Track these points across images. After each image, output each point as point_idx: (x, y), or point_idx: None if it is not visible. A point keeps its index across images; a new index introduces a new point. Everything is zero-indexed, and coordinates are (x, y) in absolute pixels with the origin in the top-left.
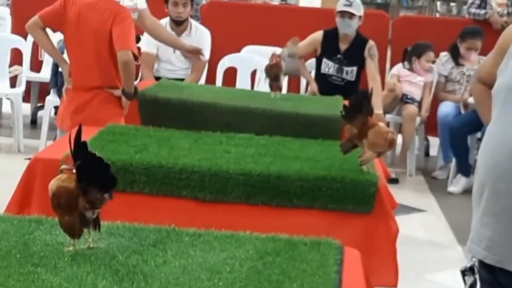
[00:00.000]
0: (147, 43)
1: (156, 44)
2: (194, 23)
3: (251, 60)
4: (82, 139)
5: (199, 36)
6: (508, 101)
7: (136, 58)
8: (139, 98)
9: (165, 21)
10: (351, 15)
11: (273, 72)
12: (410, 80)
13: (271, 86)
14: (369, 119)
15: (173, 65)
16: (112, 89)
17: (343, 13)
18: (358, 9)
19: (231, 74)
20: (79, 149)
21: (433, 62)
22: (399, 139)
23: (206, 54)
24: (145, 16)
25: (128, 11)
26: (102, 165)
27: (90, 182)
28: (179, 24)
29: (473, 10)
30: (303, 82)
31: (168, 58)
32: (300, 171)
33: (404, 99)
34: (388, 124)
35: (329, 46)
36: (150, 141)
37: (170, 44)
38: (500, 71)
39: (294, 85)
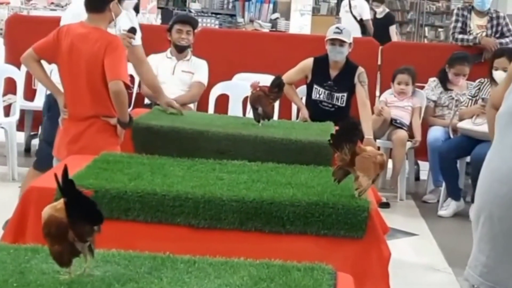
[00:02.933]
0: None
1: (156, 66)
2: (193, 56)
3: (243, 87)
4: (77, 168)
5: (198, 63)
6: (508, 125)
7: (127, 87)
8: (132, 126)
9: (165, 53)
10: (341, 42)
11: (256, 100)
12: (398, 105)
13: (256, 115)
14: (358, 146)
15: (169, 88)
16: (108, 118)
17: (333, 41)
18: (348, 36)
19: (223, 101)
20: (66, 186)
21: (422, 87)
22: (390, 164)
23: (203, 80)
24: (135, 52)
25: (119, 41)
26: (89, 202)
27: (78, 217)
28: (180, 51)
29: (459, 36)
30: (294, 108)
31: (165, 80)
32: (293, 197)
33: (394, 123)
34: (378, 149)
35: (320, 72)
36: (144, 168)
37: (151, 88)
38: (506, 96)
39: (285, 111)
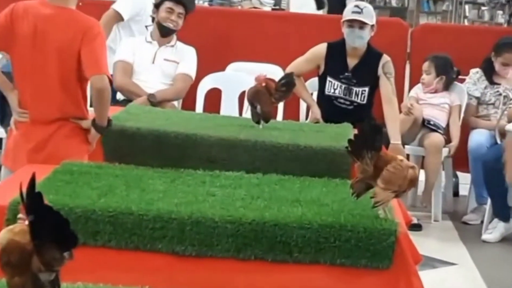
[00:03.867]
0: (123, 49)
1: (133, 51)
2: (178, 41)
3: (238, 80)
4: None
5: (184, 50)
6: None
7: (110, 82)
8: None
9: (144, 36)
10: (361, 24)
11: (254, 97)
12: (432, 102)
13: (254, 114)
14: (384, 152)
15: (148, 80)
16: (79, 120)
17: (352, 22)
18: (370, 17)
19: (214, 97)
20: (33, 200)
21: (462, 80)
22: (422, 175)
23: (191, 71)
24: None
25: (99, 26)
26: (60, 220)
27: (45, 240)
28: (165, 34)
29: None
30: (303, 106)
31: (145, 70)
32: (302, 217)
33: (427, 125)
34: (408, 157)
35: (335, 62)
36: (117, 181)
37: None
38: None
39: (291, 110)
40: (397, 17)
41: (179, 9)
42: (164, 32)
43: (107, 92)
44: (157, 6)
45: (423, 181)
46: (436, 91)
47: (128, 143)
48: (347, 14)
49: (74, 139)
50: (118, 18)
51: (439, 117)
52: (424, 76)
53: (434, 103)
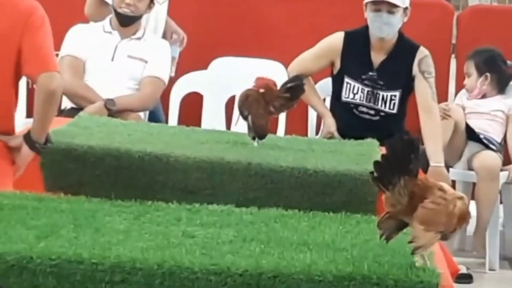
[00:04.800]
0: (71, 40)
1: (85, 43)
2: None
3: (226, 82)
4: None
5: (154, 44)
6: None
7: None
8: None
9: (101, 24)
10: (390, 7)
11: (244, 104)
12: (480, 110)
13: (250, 129)
14: (422, 178)
15: (108, 80)
16: (6, 136)
17: (378, 5)
18: None
19: (193, 105)
20: None
21: None
22: (473, 208)
23: (163, 73)
24: None
25: (42, 10)
26: None
27: None
28: (125, 23)
29: None
30: (312, 116)
31: (101, 68)
32: (311, 266)
33: (477, 140)
34: (453, 185)
35: (355, 57)
36: (62, 219)
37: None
38: None
39: (297, 122)
40: None
41: None
42: (122, 21)
43: (57, 95)
44: None
45: (474, 217)
46: (484, 96)
47: (76, 166)
48: None
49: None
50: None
51: (491, 130)
52: (466, 79)
53: (483, 111)
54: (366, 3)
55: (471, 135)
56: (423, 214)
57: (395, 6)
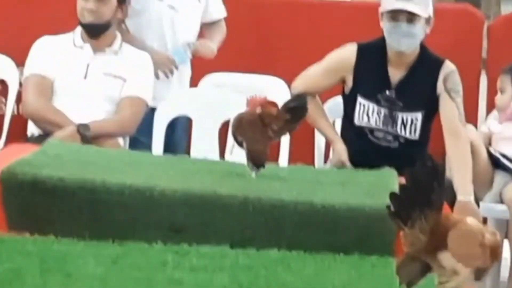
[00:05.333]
0: (37, 57)
1: (53, 59)
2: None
3: (220, 102)
4: None
5: (133, 58)
6: None
7: None
8: (2, 181)
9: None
10: (411, 16)
11: (238, 128)
12: (511, 135)
13: (249, 159)
14: (447, 213)
15: (80, 102)
16: None
17: (396, 13)
18: (425, 5)
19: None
20: None
21: None
22: (506, 249)
23: (143, 92)
24: None
25: None
26: None
27: None
28: (93, 33)
29: None
30: (319, 142)
31: (72, 88)
32: None
33: (507, 168)
34: (484, 221)
35: (370, 73)
36: (27, 262)
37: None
38: None
39: (302, 149)
40: (466, 3)
41: None
42: (89, 31)
43: None
44: None
45: (508, 259)
46: None
47: (45, 201)
48: (389, 0)
49: None
50: None
51: None
52: (498, 96)
53: None
54: (383, 12)
55: (499, 162)
56: (454, 241)
57: (416, 15)
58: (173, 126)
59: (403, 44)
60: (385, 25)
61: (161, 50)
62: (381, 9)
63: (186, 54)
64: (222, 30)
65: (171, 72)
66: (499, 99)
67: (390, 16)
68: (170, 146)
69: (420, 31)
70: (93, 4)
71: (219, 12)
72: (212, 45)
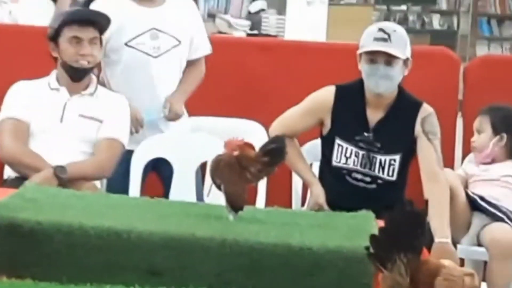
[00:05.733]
0: (13, 100)
1: (28, 103)
2: (101, 87)
3: (197, 145)
4: None
5: (110, 100)
6: None
7: None
8: None
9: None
10: (389, 58)
11: (216, 171)
12: (489, 177)
13: (227, 202)
14: (426, 257)
15: (57, 145)
16: None
17: (374, 55)
18: (402, 46)
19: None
20: None
21: None
22: None
23: (121, 134)
24: None
25: None
26: None
27: None
28: (78, 77)
29: None
30: (297, 185)
31: (49, 132)
32: None
33: (485, 210)
34: (462, 264)
35: (348, 115)
36: None
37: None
38: None
39: (279, 192)
40: (442, 46)
41: (89, 33)
42: (76, 75)
43: None
44: (52, 38)
45: None
46: (493, 160)
47: (22, 245)
48: (367, 41)
49: None
50: None
51: (503, 197)
52: (475, 137)
53: (492, 178)
54: (361, 54)
55: (477, 204)
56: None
57: (394, 57)
58: None
59: (381, 86)
60: (363, 67)
61: (135, 103)
62: (359, 51)
63: (158, 113)
64: (201, 69)
65: (137, 131)
66: (476, 140)
67: (368, 58)
68: None
69: (398, 73)
70: (87, 48)
71: (204, 49)
72: (179, 109)
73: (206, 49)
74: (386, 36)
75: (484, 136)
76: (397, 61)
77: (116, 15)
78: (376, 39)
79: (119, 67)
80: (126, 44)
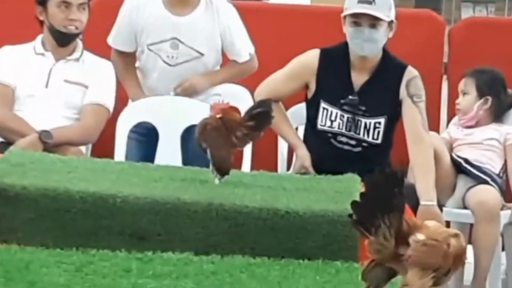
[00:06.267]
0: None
1: (14, 68)
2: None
3: (183, 110)
4: None
5: (95, 65)
6: None
7: None
8: None
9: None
10: (373, 21)
11: (202, 134)
12: (473, 140)
13: (213, 165)
14: (409, 218)
15: (42, 110)
16: None
17: (358, 18)
18: (387, 9)
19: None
20: None
21: None
22: (470, 254)
23: (107, 99)
24: None
25: None
26: None
27: None
28: (65, 42)
29: None
30: (282, 148)
31: (34, 96)
32: None
33: (470, 174)
34: (448, 226)
35: (333, 78)
36: None
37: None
38: None
39: (265, 155)
40: (427, 8)
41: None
42: (63, 40)
43: None
44: (41, 1)
45: (471, 263)
46: (477, 123)
47: (7, 210)
48: (351, 4)
49: None
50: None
51: (486, 160)
52: (460, 98)
53: (475, 141)
54: (345, 16)
55: (461, 167)
56: (416, 252)
57: (379, 19)
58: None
59: (366, 48)
60: (347, 30)
61: None
62: (344, 13)
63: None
64: (242, 68)
65: None
66: (461, 102)
67: (353, 20)
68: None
69: (382, 35)
70: (76, 14)
71: (245, 53)
72: (197, 82)
73: (246, 52)
74: None
75: (469, 98)
76: (382, 24)
77: (141, 16)
78: (361, 2)
79: (140, 65)
80: (148, 47)
